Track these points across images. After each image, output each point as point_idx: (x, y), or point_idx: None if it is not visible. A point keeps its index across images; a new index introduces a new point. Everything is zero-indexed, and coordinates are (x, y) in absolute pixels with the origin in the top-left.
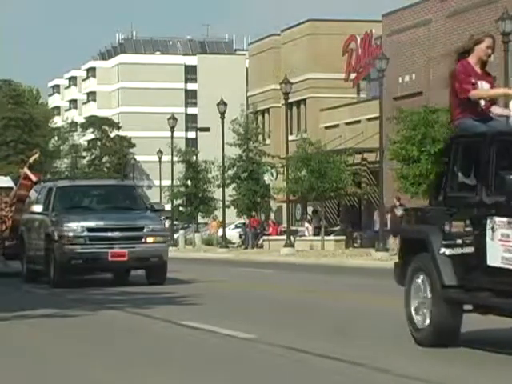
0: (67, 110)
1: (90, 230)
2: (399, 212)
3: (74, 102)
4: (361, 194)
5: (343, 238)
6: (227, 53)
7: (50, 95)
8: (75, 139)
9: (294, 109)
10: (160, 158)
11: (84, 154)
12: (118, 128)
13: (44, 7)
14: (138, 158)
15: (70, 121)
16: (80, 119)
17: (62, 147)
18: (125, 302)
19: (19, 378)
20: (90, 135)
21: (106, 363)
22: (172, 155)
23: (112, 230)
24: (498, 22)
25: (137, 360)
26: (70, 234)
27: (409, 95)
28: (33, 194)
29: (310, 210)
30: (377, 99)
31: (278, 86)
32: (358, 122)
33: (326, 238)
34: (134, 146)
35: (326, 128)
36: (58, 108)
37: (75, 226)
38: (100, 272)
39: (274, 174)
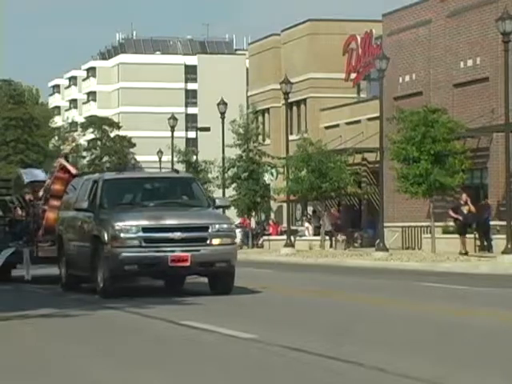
0: (67, 110)
1: (145, 230)
2: (465, 210)
3: (74, 102)
4: (361, 193)
5: (343, 237)
6: (227, 53)
7: (50, 95)
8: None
9: (294, 109)
10: (160, 158)
11: (84, 153)
12: (118, 128)
13: (44, 7)
14: (138, 157)
15: (70, 121)
16: (80, 119)
17: (62, 147)
18: (125, 302)
19: (19, 378)
20: (90, 135)
21: (106, 363)
22: (172, 155)
23: (172, 229)
24: (498, 22)
25: (137, 360)
26: (123, 235)
27: (409, 95)
28: (70, 189)
29: (310, 209)
30: (377, 99)
31: (278, 86)
32: (358, 121)
33: (326, 237)
34: (134, 145)
35: (326, 128)
36: (58, 108)
37: (128, 226)
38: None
39: (275, 174)
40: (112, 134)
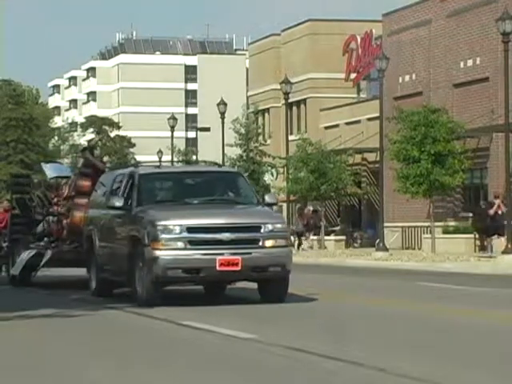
0: (67, 110)
1: (190, 230)
2: (492, 211)
3: (74, 102)
4: (361, 194)
5: (343, 237)
6: (227, 53)
7: (50, 95)
8: (75, 139)
9: (294, 109)
10: (160, 158)
11: None
12: (118, 128)
13: (44, 7)
14: (138, 157)
15: (70, 121)
16: (80, 119)
17: (62, 147)
18: (125, 302)
19: (19, 378)
20: (90, 135)
21: (106, 363)
22: (172, 155)
23: (220, 230)
24: (498, 22)
25: (137, 360)
26: (165, 236)
27: (409, 95)
28: (98, 186)
29: (310, 209)
30: (377, 99)
31: (278, 86)
32: (358, 121)
33: (326, 237)
34: (134, 145)
35: (326, 128)
36: (58, 108)
37: (172, 226)
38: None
39: (275, 174)
40: (112, 134)
